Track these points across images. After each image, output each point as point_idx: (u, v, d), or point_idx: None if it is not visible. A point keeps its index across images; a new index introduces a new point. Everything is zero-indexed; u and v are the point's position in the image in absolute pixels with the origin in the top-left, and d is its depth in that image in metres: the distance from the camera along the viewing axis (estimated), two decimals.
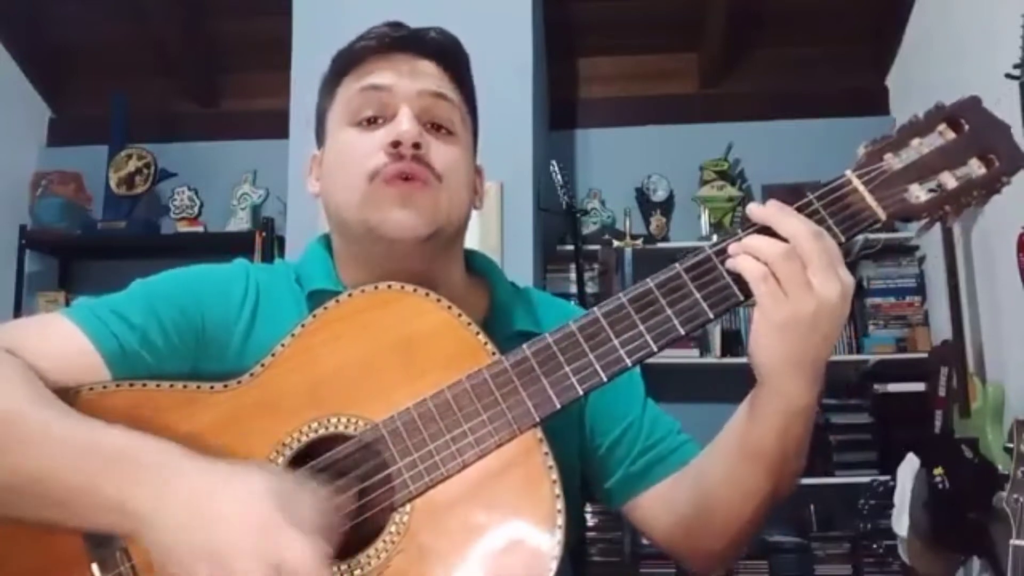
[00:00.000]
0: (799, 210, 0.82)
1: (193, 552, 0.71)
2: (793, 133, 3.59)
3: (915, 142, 0.85)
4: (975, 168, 0.84)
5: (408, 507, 0.80)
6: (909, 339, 3.30)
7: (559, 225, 3.31)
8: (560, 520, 0.78)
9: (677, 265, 0.83)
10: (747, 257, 0.79)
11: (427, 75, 0.97)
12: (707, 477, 0.91)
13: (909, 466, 2.65)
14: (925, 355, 3.05)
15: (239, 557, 0.70)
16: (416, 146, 0.92)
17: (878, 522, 3.00)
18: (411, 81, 0.95)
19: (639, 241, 3.46)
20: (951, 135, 0.86)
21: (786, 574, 3.14)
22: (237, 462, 0.77)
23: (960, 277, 2.76)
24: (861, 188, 0.83)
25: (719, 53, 3.63)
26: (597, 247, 3.40)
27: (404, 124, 0.92)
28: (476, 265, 1.07)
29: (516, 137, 2.85)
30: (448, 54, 0.99)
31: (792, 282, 0.77)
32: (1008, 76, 2.23)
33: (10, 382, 0.81)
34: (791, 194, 0.83)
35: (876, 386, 3.26)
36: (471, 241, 1.04)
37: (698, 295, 0.81)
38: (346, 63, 0.99)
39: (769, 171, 3.51)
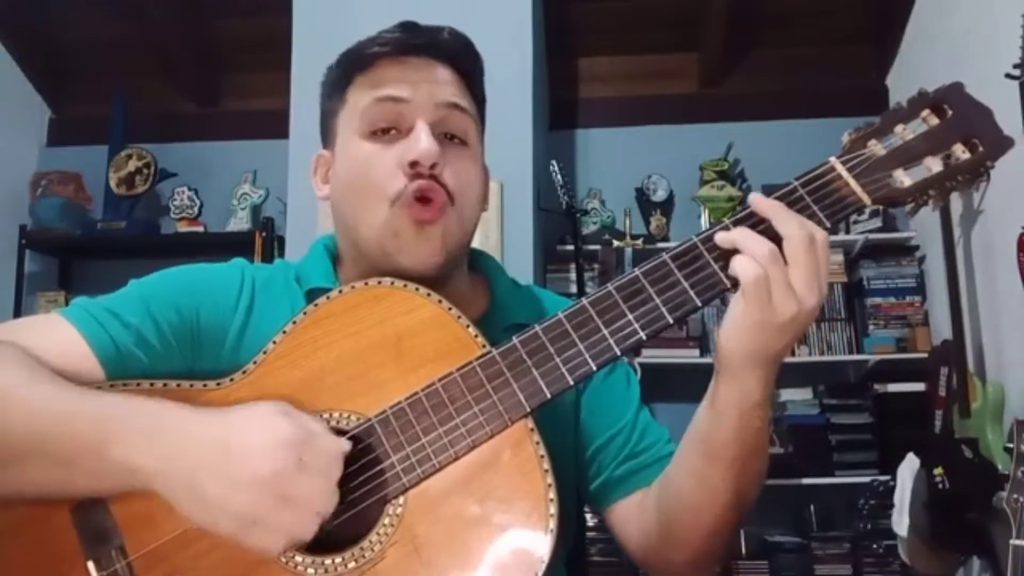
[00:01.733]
0: (783, 197, 0.82)
1: (219, 484, 0.74)
2: (793, 133, 3.58)
3: (899, 128, 0.86)
4: (959, 153, 0.85)
5: (402, 499, 0.80)
6: (909, 339, 3.29)
7: (559, 225, 3.30)
8: (552, 508, 0.78)
9: (664, 254, 0.83)
10: (745, 258, 0.79)
11: (443, 84, 0.95)
12: (672, 480, 0.91)
13: (909, 466, 2.64)
14: (925, 355, 3.04)
15: (270, 482, 0.73)
16: (433, 166, 0.91)
17: (878, 522, 3.00)
18: (428, 93, 0.94)
19: (639, 241, 3.46)
20: (935, 121, 0.86)
21: (786, 574, 3.14)
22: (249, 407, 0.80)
23: (960, 277, 2.75)
24: (845, 174, 0.84)
25: (719, 53, 3.63)
26: (597, 247, 3.40)
27: (423, 143, 0.91)
28: (477, 263, 1.07)
29: (516, 137, 2.85)
30: (463, 58, 0.98)
31: (777, 285, 0.78)
32: (1008, 76, 2.23)
33: (8, 360, 0.82)
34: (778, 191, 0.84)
35: (876, 386, 3.26)
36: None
37: (685, 283, 0.82)
38: (357, 65, 0.96)
39: (769, 171, 3.49)
